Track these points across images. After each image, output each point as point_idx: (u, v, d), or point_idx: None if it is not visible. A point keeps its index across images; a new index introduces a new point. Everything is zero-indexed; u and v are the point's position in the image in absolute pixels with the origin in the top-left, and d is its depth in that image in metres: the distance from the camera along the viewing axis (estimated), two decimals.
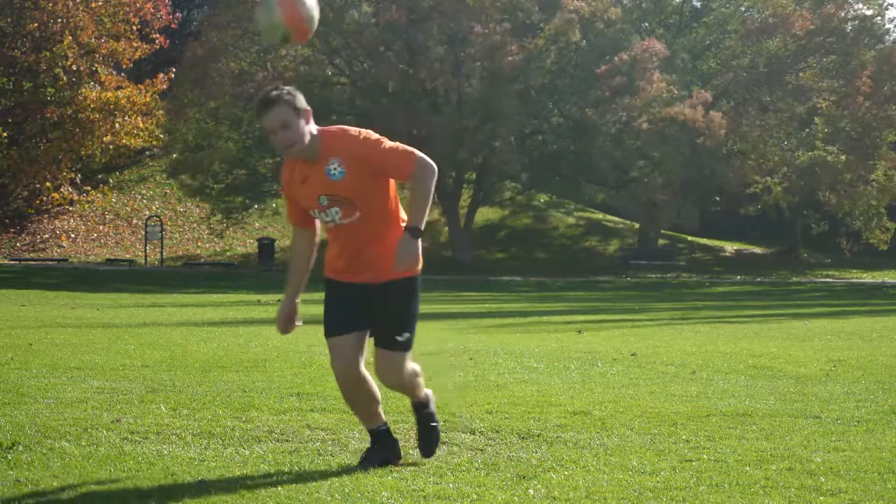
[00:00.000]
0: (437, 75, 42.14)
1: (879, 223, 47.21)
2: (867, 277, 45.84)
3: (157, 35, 42.65)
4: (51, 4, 39.49)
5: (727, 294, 33.94)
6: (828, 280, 44.02)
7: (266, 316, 19.26)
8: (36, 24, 39.78)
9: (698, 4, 51.27)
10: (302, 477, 5.18)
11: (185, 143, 43.05)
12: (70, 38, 39.72)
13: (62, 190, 41.85)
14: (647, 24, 50.26)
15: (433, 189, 5.32)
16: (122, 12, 41.20)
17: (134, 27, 42.02)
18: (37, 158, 40.65)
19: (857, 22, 47.82)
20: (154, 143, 43.37)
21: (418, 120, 41.19)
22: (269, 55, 43.68)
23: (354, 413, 5.71)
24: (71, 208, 45.18)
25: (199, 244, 46.47)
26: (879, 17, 49.45)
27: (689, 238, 56.05)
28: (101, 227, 46.21)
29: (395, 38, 42.20)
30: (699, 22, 50.36)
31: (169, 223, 46.55)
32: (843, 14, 47.73)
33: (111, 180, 47.97)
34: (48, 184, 41.19)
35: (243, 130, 43.35)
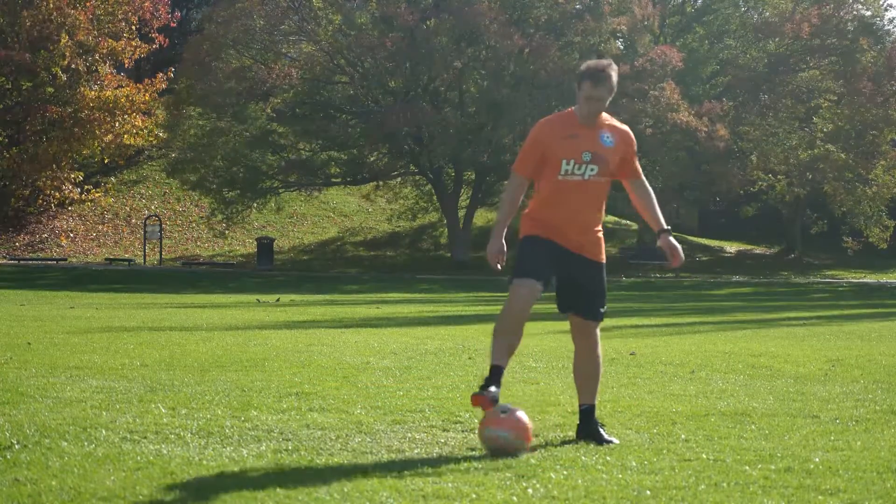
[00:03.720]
0: (441, 73, 42.15)
1: (879, 221, 47.20)
2: (868, 278, 45.85)
3: (157, 34, 42.63)
4: (44, 4, 39.45)
5: (728, 295, 33.94)
6: (829, 280, 44.03)
7: (266, 316, 19.26)
8: (31, 24, 39.74)
9: (699, 2, 51.25)
10: (301, 476, 5.18)
11: (185, 139, 43.02)
12: (66, 37, 39.68)
13: (63, 189, 41.83)
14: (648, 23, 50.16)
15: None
16: (120, 11, 41.18)
17: (133, 26, 42.01)
18: (37, 158, 40.64)
19: (856, 23, 47.79)
20: (154, 141, 43.35)
21: (420, 118, 41.15)
22: (270, 52, 43.68)
23: (501, 342, 6.16)
24: (71, 208, 45.19)
25: (199, 244, 46.49)
26: (879, 19, 49.41)
27: (690, 238, 56.06)
28: (100, 227, 46.21)
29: (400, 36, 42.17)
30: (700, 22, 50.36)
31: (168, 223, 46.56)
32: (842, 14, 47.72)
33: (112, 179, 47.99)
34: (48, 183, 41.17)
35: (245, 126, 43.27)
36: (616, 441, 6.18)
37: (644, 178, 6.45)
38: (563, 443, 6.16)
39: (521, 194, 6.33)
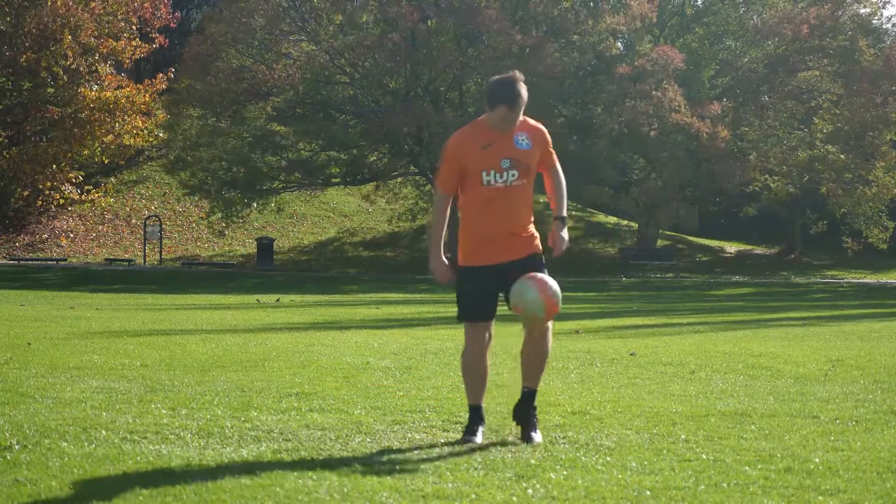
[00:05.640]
0: (441, 74, 42.17)
1: (879, 222, 47.17)
2: (868, 278, 45.85)
3: (157, 34, 42.61)
4: (50, 3, 39.47)
5: (728, 295, 33.94)
6: (829, 280, 44.02)
7: (266, 316, 19.25)
8: (35, 23, 39.76)
9: (699, 3, 51.23)
10: (301, 477, 5.18)
11: (186, 139, 43.02)
12: (69, 37, 39.70)
13: (63, 189, 41.82)
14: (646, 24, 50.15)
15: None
16: (120, 11, 41.16)
17: (133, 26, 41.98)
18: (37, 158, 40.63)
19: (855, 23, 47.75)
20: (153, 141, 43.35)
21: (421, 118, 41.16)
22: (271, 52, 43.69)
23: (471, 382, 6.35)
24: (70, 208, 45.17)
25: (199, 244, 46.48)
26: (877, 18, 49.38)
27: (690, 238, 56.06)
28: (100, 227, 46.21)
29: (400, 36, 42.19)
30: (700, 23, 50.36)
31: (168, 223, 46.55)
32: (840, 13, 47.69)
33: (112, 179, 47.99)
34: (48, 183, 41.16)
35: (245, 127, 43.27)
36: (538, 440, 6.13)
37: (559, 166, 6.51)
38: (563, 443, 6.16)
39: (448, 209, 6.41)
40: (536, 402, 6.42)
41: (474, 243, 6.29)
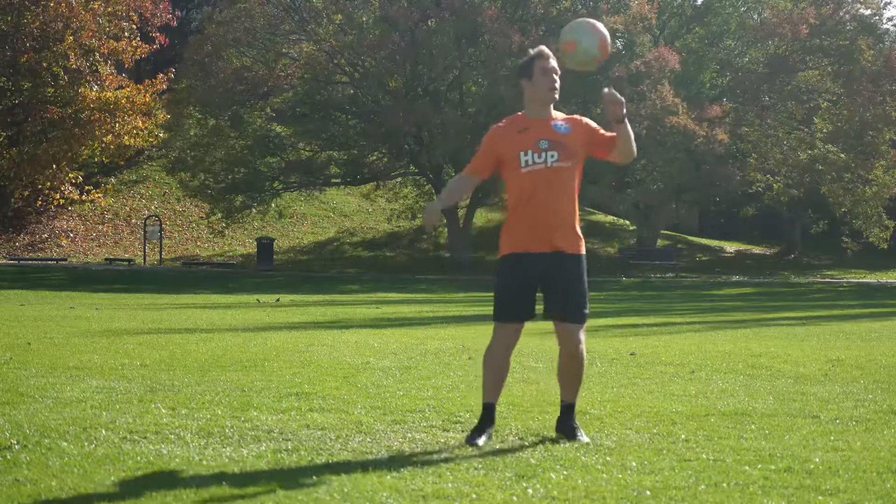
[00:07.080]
0: (441, 73, 42.17)
1: (879, 222, 47.15)
2: (868, 278, 45.84)
3: (157, 33, 42.62)
4: (52, 4, 39.48)
5: (728, 295, 33.94)
6: (829, 280, 44.02)
7: (265, 316, 19.25)
8: (37, 24, 39.77)
9: (699, 2, 51.22)
10: (301, 477, 5.18)
11: (186, 139, 43.04)
12: (71, 38, 39.70)
13: (62, 189, 41.82)
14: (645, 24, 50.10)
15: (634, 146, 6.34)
16: (121, 10, 41.16)
17: (133, 24, 41.98)
18: (37, 158, 40.65)
19: (856, 23, 47.76)
20: (154, 142, 43.37)
21: (421, 118, 41.18)
22: (271, 52, 43.72)
23: (489, 377, 6.31)
24: (70, 208, 45.17)
25: (199, 244, 46.48)
26: (878, 18, 49.39)
27: (690, 238, 56.06)
28: (100, 227, 46.22)
29: (400, 35, 42.22)
30: (700, 23, 50.35)
31: (168, 223, 46.55)
32: (842, 14, 47.70)
33: (112, 179, 47.98)
34: (48, 183, 41.17)
35: (244, 129, 43.29)
36: (586, 440, 6.17)
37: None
38: (563, 443, 6.16)
39: (467, 187, 6.44)
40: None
41: (516, 231, 6.22)
